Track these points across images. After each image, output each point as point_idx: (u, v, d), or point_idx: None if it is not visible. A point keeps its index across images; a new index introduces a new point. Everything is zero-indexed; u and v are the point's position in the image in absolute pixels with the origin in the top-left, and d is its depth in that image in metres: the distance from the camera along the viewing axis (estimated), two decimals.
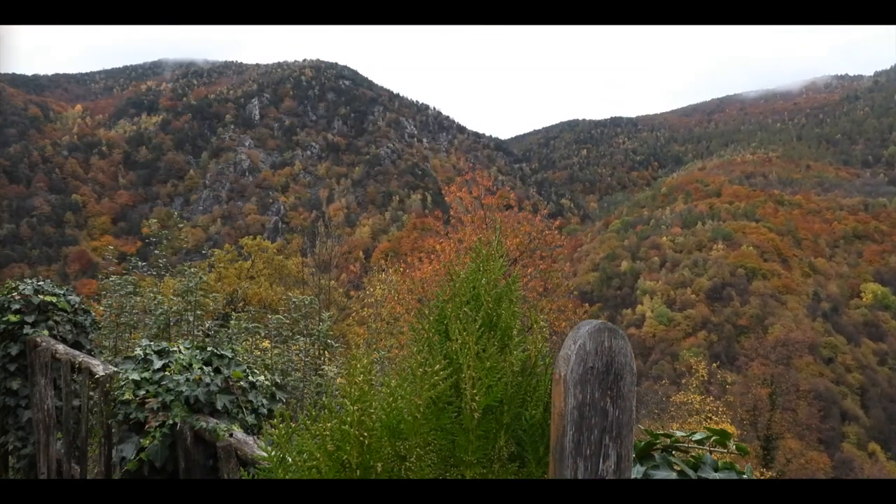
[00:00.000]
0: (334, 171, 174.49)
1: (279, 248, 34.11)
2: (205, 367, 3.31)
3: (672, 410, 23.58)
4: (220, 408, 3.16)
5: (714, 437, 1.68)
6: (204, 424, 3.01)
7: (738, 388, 29.64)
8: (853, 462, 48.38)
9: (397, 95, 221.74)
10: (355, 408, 1.44)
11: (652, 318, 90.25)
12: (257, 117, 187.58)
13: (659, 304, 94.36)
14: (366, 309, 16.60)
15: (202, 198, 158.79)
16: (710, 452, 1.67)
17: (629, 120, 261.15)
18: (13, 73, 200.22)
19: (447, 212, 20.90)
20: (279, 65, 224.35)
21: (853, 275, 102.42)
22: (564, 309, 16.68)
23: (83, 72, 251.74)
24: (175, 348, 3.52)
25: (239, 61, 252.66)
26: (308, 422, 1.52)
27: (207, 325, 8.02)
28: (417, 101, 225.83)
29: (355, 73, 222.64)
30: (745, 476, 1.58)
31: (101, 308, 7.52)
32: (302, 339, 7.43)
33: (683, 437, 1.69)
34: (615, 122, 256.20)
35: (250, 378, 3.43)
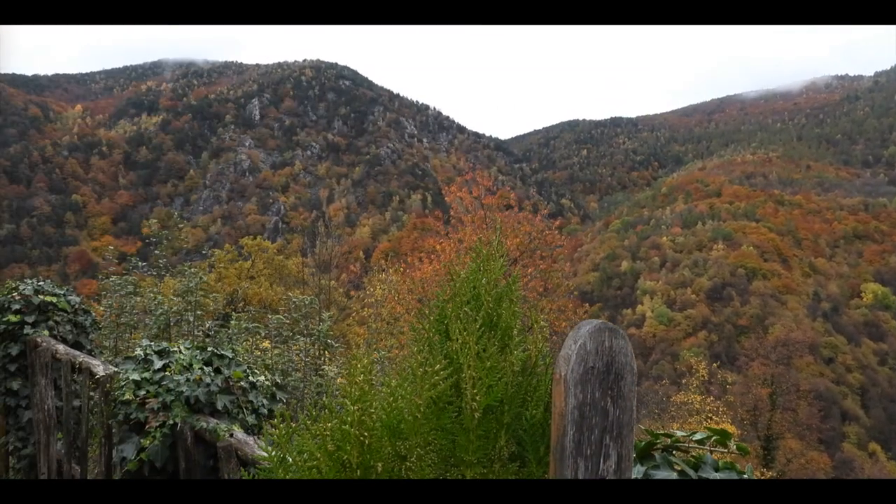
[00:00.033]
0: (334, 171, 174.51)
1: (279, 249, 34.13)
2: (205, 368, 3.31)
3: (672, 410, 23.58)
4: (220, 408, 3.16)
5: (714, 437, 1.68)
6: (204, 424, 3.01)
7: (738, 388, 29.64)
8: (853, 462, 48.37)
9: (397, 95, 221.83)
10: (355, 408, 1.44)
11: (652, 318, 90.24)
12: (257, 117, 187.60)
13: (659, 304, 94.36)
14: (366, 309, 16.60)
15: (202, 198, 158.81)
16: (711, 452, 1.66)
17: (629, 120, 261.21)
18: (13, 73, 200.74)
19: (447, 212, 20.90)
20: (279, 65, 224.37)
21: (853, 275, 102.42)
22: (564, 309, 16.67)
23: (83, 72, 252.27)
24: (175, 348, 3.52)
25: (239, 61, 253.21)
26: (308, 422, 1.52)
27: (208, 325, 8.02)
28: (417, 101, 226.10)
29: (355, 73, 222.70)
30: (745, 476, 1.58)
31: (102, 308, 7.51)
32: (302, 339, 7.43)
33: (684, 437, 1.69)
34: (615, 122, 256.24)
35: (251, 378, 3.42)
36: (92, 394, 3.93)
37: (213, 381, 3.23)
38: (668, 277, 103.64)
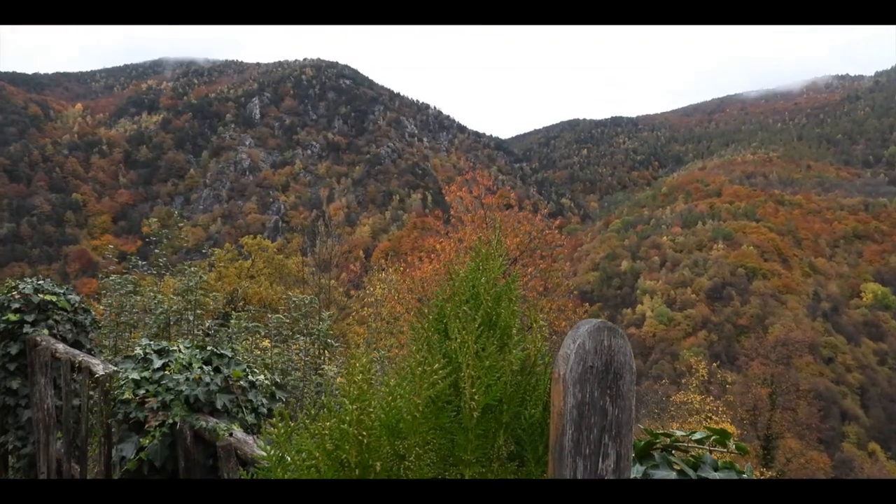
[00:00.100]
0: (335, 170, 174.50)
1: (279, 248, 34.10)
2: (205, 367, 3.31)
3: (672, 410, 23.57)
4: (219, 407, 3.16)
5: (714, 437, 1.68)
6: (204, 424, 3.01)
7: (738, 388, 29.61)
8: (853, 462, 48.41)
9: (398, 95, 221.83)
10: (354, 407, 1.44)
11: (652, 317, 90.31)
12: (258, 116, 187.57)
13: (659, 303, 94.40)
14: (366, 308, 16.59)
15: (202, 197, 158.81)
16: (710, 452, 1.66)
17: (629, 119, 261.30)
18: (13, 72, 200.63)
19: (447, 211, 20.89)
20: (280, 64, 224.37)
21: (853, 275, 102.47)
22: (564, 308, 16.68)
23: (83, 70, 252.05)
24: (175, 347, 3.52)
25: (239, 60, 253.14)
26: (307, 421, 1.52)
27: (207, 324, 8.01)
28: (418, 101, 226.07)
29: (356, 72, 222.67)
30: (745, 476, 1.58)
31: (101, 307, 7.51)
32: (302, 338, 7.42)
33: (683, 436, 1.69)
34: (615, 122, 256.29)
35: (250, 377, 3.42)
36: (91, 393, 3.93)
37: (212, 380, 3.23)
38: (668, 277, 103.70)
